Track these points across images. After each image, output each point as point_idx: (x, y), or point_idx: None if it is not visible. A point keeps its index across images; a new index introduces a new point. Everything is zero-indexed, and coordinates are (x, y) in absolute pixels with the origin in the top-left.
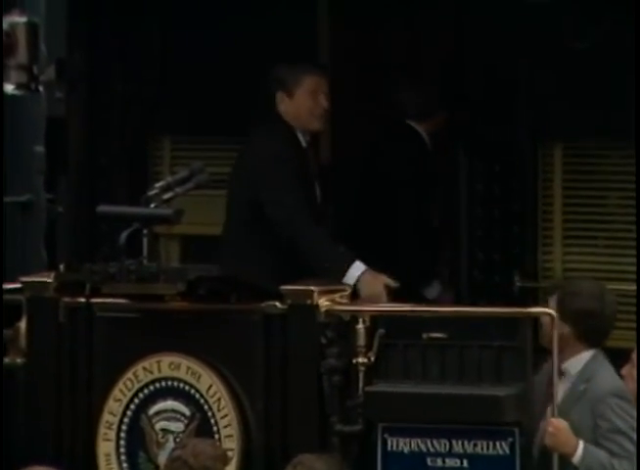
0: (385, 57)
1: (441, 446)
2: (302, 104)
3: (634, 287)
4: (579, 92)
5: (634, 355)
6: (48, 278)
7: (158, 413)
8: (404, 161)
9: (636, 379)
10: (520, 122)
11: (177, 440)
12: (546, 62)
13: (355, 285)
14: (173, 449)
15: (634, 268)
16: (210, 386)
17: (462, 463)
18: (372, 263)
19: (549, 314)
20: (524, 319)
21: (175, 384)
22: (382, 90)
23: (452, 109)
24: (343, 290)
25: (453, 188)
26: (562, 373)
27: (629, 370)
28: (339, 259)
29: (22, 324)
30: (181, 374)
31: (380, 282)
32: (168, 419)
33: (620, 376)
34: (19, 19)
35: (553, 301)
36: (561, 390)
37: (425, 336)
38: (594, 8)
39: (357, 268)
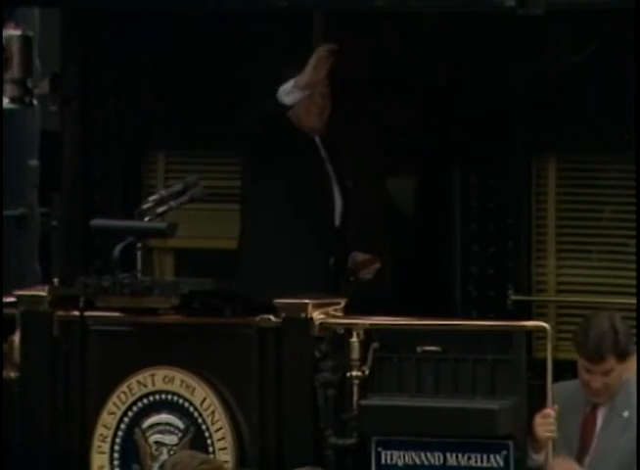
0: (380, 73)
1: (436, 459)
2: (299, 102)
3: (629, 300)
4: (573, 105)
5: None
6: (42, 292)
7: (151, 426)
8: None
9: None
10: (514, 136)
11: (171, 452)
12: (541, 75)
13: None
14: None
15: (628, 282)
16: (204, 399)
17: None
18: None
19: (543, 328)
20: (517, 333)
21: (169, 397)
22: (377, 104)
23: (448, 124)
24: (338, 303)
25: (447, 203)
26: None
27: None
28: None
29: (16, 338)
30: (175, 387)
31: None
32: (162, 432)
33: None
34: (13, 32)
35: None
36: (600, 416)
37: (419, 349)
38: (589, 21)
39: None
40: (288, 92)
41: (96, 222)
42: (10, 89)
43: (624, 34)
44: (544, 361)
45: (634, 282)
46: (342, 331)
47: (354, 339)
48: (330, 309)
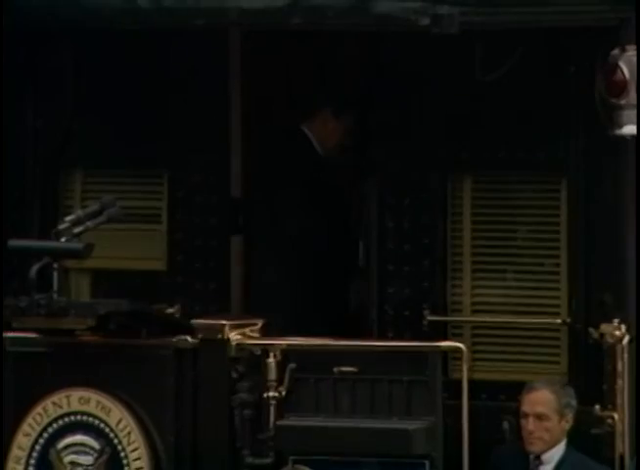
0: (294, 89)
1: None
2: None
3: (544, 320)
4: (488, 125)
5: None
6: None
7: (67, 447)
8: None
9: None
10: (429, 155)
11: None
12: (456, 94)
13: None
14: None
15: (543, 301)
16: (120, 420)
17: None
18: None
19: (458, 348)
20: (433, 353)
21: (85, 418)
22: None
23: (363, 142)
24: (254, 324)
25: (364, 222)
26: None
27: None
28: None
29: None
30: (91, 409)
31: None
32: (77, 453)
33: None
34: None
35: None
36: None
37: (335, 370)
38: (504, 39)
39: None
40: None
41: (13, 242)
42: None
43: (538, 53)
44: (460, 382)
45: (550, 302)
46: (258, 352)
47: (271, 360)
48: (247, 330)
